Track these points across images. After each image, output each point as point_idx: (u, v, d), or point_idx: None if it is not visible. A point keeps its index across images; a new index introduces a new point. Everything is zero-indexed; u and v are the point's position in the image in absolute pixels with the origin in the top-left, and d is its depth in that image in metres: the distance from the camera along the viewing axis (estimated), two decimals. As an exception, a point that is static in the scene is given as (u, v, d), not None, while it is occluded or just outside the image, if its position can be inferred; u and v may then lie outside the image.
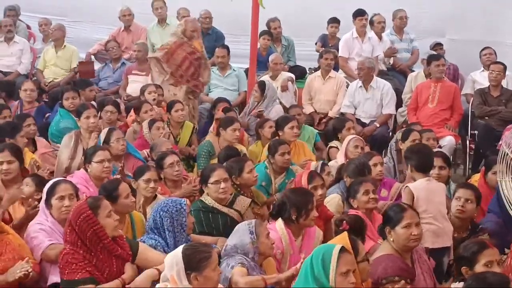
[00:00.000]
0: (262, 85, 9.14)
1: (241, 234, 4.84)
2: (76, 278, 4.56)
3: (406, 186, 5.90)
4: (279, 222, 5.25)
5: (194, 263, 4.03)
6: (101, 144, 6.85)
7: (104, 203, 4.74)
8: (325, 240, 5.29)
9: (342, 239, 4.41)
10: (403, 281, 4.56)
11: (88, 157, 6.30)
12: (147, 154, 7.40)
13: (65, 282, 4.62)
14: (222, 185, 5.83)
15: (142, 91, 9.08)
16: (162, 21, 11.35)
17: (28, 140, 7.42)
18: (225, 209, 5.85)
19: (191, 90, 9.10)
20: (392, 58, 10.92)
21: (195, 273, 4.01)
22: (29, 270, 4.68)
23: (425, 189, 5.76)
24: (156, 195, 6.00)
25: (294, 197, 5.28)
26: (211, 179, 5.85)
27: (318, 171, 6.28)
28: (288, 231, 5.20)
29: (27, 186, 5.75)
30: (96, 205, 4.68)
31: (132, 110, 8.78)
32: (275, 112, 8.98)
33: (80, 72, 10.36)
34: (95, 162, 6.21)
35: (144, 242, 4.96)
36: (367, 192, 5.74)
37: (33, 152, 7.31)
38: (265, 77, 9.98)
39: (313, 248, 4.46)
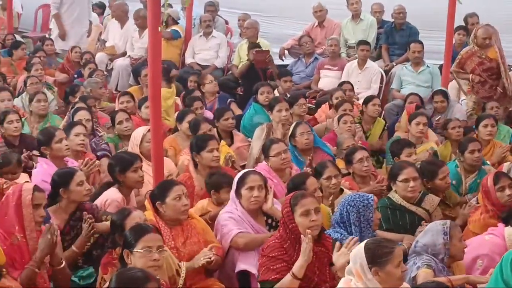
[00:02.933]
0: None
1: (433, 233, 4.71)
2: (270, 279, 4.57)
3: None
4: (510, 230, 5.03)
5: (376, 257, 3.90)
6: (288, 137, 6.95)
7: (303, 201, 4.62)
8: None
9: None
10: None
11: (265, 151, 6.40)
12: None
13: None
14: (411, 183, 5.72)
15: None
16: (356, 16, 11.31)
17: (226, 133, 7.64)
18: (413, 207, 5.74)
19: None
20: None
21: (376, 267, 3.88)
22: (212, 258, 4.84)
23: None
24: (342, 189, 5.99)
25: None
26: (400, 177, 5.76)
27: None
28: None
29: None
30: (295, 202, 4.63)
31: (325, 105, 8.86)
32: (458, 111, 8.68)
33: (255, 60, 10.51)
34: (272, 156, 6.29)
35: (329, 235, 4.97)
36: None
37: (229, 146, 7.48)
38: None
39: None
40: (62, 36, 11.55)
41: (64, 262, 4.73)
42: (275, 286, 4.50)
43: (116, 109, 8.28)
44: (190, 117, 7.52)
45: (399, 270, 3.94)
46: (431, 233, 4.73)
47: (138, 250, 4.15)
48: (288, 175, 6.32)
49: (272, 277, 4.54)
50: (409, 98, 8.86)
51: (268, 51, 10.57)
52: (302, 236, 4.48)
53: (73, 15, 11.87)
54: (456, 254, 4.68)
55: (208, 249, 4.95)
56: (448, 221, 4.82)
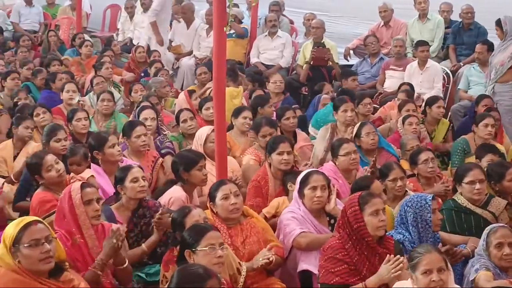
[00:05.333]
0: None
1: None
2: (331, 283, 4.55)
3: None
4: None
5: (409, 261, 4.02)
6: (353, 138, 6.93)
7: (373, 201, 4.62)
8: None
9: None
10: None
11: (335, 150, 6.37)
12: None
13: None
14: (478, 186, 5.62)
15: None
16: (423, 16, 11.16)
17: (288, 133, 7.64)
18: (478, 210, 5.64)
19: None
20: None
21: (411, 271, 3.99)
22: (270, 259, 4.83)
23: None
24: (406, 191, 5.93)
25: None
26: (466, 179, 5.67)
27: None
28: None
29: None
30: (365, 201, 4.61)
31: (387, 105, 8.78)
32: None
33: (314, 58, 10.47)
34: (341, 155, 6.26)
35: (392, 236, 4.92)
36: None
37: (292, 145, 7.41)
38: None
39: None
40: (160, 42, 11.68)
41: (127, 262, 4.79)
42: None
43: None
44: (246, 113, 7.56)
45: (429, 277, 4.03)
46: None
47: (202, 248, 4.19)
48: (354, 177, 6.28)
49: (333, 280, 4.52)
50: (482, 101, 8.55)
51: (328, 49, 10.52)
52: (388, 256, 4.44)
53: (165, 22, 12.01)
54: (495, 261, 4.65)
55: (267, 250, 4.95)
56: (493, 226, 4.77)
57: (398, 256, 4.43)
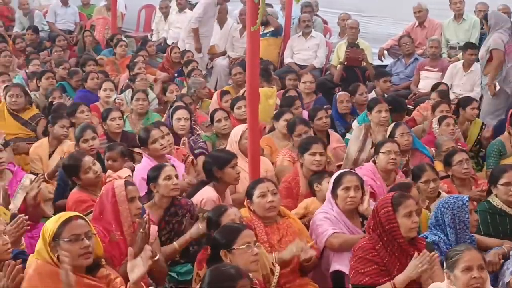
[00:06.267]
0: None
1: None
2: (361, 284, 4.53)
3: None
4: None
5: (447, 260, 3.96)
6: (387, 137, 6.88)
7: (406, 202, 4.58)
8: None
9: None
10: None
11: (377, 148, 6.35)
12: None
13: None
14: (514, 187, 5.55)
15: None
16: (458, 16, 11.06)
17: (321, 133, 7.61)
18: (514, 212, 5.58)
19: None
20: None
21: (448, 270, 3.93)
22: (309, 252, 4.84)
23: None
24: (439, 193, 5.88)
25: None
26: (501, 180, 5.60)
27: None
28: None
29: None
30: (399, 202, 4.58)
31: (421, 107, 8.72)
32: None
33: (348, 58, 10.43)
34: (382, 153, 6.23)
35: (426, 238, 4.89)
36: None
37: (325, 146, 7.38)
38: None
39: None
40: (198, 49, 11.68)
41: (158, 255, 4.81)
42: None
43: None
44: (287, 116, 7.52)
45: (469, 274, 3.96)
46: None
47: (240, 247, 4.20)
48: (392, 180, 6.24)
49: (363, 280, 4.50)
50: None
51: (362, 49, 10.48)
52: (416, 253, 4.41)
53: (208, 30, 11.94)
54: None
55: (303, 243, 4.93)
56: None
57: (425, 251, 4.40)
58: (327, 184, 5.66)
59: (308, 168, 6.10)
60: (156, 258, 4.64)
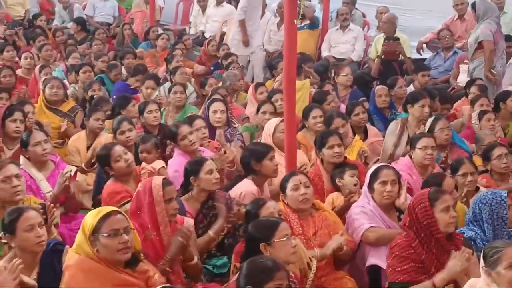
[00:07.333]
0: None
1: None
2: (398, 281, 4.51)
3: None
4: None
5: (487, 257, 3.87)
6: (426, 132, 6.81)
7: (443, 197, 4.54)
8: None
9: None
10: None
11: (413, 143, 6.29)
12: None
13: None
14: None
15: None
16: (499, 9, 10.88)
17: (359, 128, 7.57)
18: (554, 207, 5.49)
19: None
20: None
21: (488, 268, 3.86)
22: (343, 243, 4.85)
23: None
24: (478, 188, 5.82)
25: None
26: (541, 175, 5.53)
27: None
28: None
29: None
30: (436, 197, 4.54)
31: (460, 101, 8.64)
32: None
33: (385, 51, 10.34)
34: (418, 148, 6.17)
35: (463, 233, 4.84)
36: None
37: (363, 141, 7.36)
38: None
39: None
40: (245, 42, 11.63)
41: (196, 259, 4.83)
42: None
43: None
44: (315, 112, 7.40)
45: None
46: None
47: (280, 240, 4.21)
48: (429, 174, 6.18)
49: (400, 278, 4.47)
50: None
51: (399, 42, 10.38)
52: (454, 251, 4.38)
53: (255, 22, 11.82)
54: None
55: (340, 235, 4.95)
56: None
57: (464, 248, 4.36)
58: (350, 177, 5.70)
59: (329, 161, 6.08)
60: (194, 261, 4.71)
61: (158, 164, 6.12)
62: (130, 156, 5.73)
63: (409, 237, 4.54)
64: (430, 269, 4.46)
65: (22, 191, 5.02)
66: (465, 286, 4.00)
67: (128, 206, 5.11)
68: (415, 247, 4.50)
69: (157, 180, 4.80)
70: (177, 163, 6.14)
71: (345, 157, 6.22)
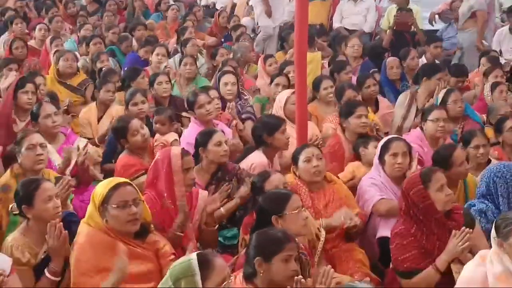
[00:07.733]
0: None
1: None
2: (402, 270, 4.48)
3: None
4: None
5: (499, 228, 3.82)
6: (438, 104, 6.76)
7: (435, 177, 4.48)
8: None
9: None
10: None
11: (425, 115, 6.26)
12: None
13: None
14: None
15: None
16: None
17: (370, 100, 7.53)
18: None
19: None
20: None
21: (500, 239, 3.80)
22: (355, 219, 4.86)
23: None
24: (490, 160, 5.79)
25: None
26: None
27: None
28: None
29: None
30: (428, 178, 4.47)
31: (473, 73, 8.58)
32: None
33: (397, 22, 10.26)
34: (430, 120, 6.14)
35: (474, 206, 4.83)
36: None
37: (374, 113, 7.32)
38: None
39: None
40: (268, 13, 11.55)
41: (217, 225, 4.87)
42: (414, 281, 4.39)
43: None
44: (325, 83, 7.40)
45: None
46: None
47: (292, 212, 4.22)
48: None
49: (404, 265, 4.43)
50: None
51: (411, 13, 10.29)
52: (454, 231, 4.34)
53: None
54: None
55: (351, 212, 4.94)
56: None
57: (463, 228, 4.33)
58: (373, 148, 5.66)
59: (354, 131, 6.08)
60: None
61: (171, 136, 6.13)
62: (146, 131, 5.75)
63: (406, 223, 4.47)
64: (433, 252, 4.40)
65: (44, 160, 5.07)
66: (475, 257, 3.97)
67: (142, 179, 5.16)
68: (414, 233, 4.43)
69: (176, 150, 4.83)
70: (190, 134, 6.14)
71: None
